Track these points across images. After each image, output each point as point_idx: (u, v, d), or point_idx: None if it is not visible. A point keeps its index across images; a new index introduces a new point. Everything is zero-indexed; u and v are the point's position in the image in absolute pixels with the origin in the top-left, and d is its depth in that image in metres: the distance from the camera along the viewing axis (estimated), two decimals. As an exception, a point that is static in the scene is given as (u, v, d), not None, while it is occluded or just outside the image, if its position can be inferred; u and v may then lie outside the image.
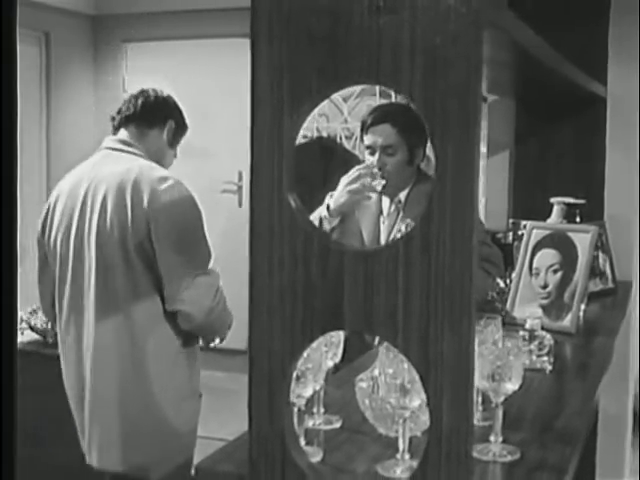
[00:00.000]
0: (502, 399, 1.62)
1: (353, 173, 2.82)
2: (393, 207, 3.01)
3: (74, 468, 4.11)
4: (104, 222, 2.77)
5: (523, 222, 3.20)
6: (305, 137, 6.67)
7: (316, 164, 6.44)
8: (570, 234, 2.73)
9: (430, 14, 1.30)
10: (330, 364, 1.72)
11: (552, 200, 3.29)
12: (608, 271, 3.31)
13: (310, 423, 1.76)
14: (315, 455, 1.59)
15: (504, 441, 1.65)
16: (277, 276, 1.41)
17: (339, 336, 1.72)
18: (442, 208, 1.31)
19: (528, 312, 2.58)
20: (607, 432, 3.65)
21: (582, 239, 2.69)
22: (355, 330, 1.38)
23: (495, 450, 1.61)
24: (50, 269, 2.96)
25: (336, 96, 6.59)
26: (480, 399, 1.81)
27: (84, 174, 2.93)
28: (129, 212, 2.74)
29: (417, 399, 1.48)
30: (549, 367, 2.24)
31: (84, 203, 2.84)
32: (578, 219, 3.29)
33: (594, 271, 3.25)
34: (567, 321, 2.62)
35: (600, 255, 3.29)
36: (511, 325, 2.49)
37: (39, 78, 6.75)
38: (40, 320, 4.30)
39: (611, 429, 3.67)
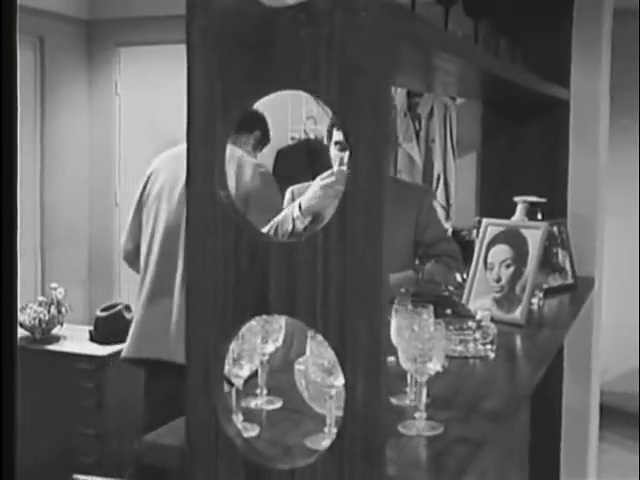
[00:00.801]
0: (425, 379, 1.75)
1: (329, 177, 2.99)
2: None
3: (58, 461, 4.25)
4: None
5: (486, 220, 3.32)
6: (293, 139, 6.81)
7: (304, 165, 6.58)
8: (522, 230, 2.86)
9: (346, 27, 1.43)
10: (272, 348, 1.86)
11: (516, 199, 3.42)
12: (568, 267, 3.43)
13: (253, 404, 1.89)
14: (251, 431, 1.72)
15: (431, 418, 1.78)
16: (211, 266, 1.54)
17: (280, 323, 1.86)
18: (355, 203, 1.44)
19: (479, 304, 2.72)
20: (570, 428, 3.77)
21: (533, 235, 2.83)
22: (279, 314, 1.52)
23: (419, 426, 1.74)
24: (140, 229, 3.66)
25: (324, 99, 6.72)
26: (414, 381, 1.94)
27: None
28: (234, 183, 3.43)
29: (342, 378, 1.60)
30: (492, 355, 2.38)
31: None
32: (540, 217, 3.42)
33: (554, 267, 3.38)
34: (517, 313, 2.75)
35: (560, 251, 3.42)
36: (466, 317, 2.62)
37: (34, 82, 6.88)
38: (29, 317, 4.45)
39: (574, 425, 3.79)
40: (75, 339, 4.56)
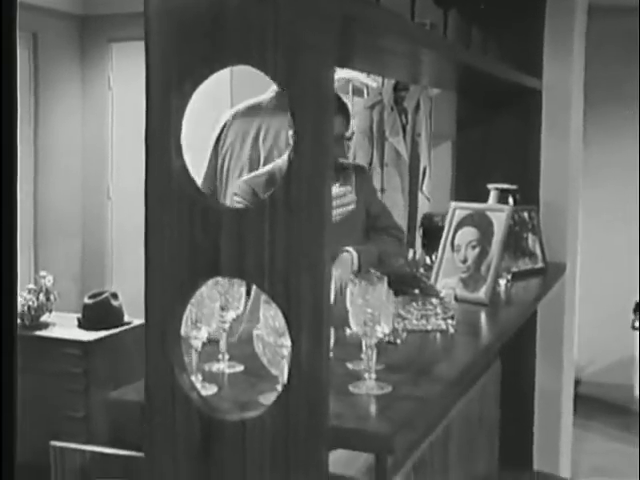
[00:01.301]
0: (375, 341, 1.85)
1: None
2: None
3: (46, 443, 4.35)
4: (275, 147, 4.08)
5: (459, 206, 3.42)
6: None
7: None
8: (488, 213, 2.96)
9: (291, 6, 1.53)
10: (233, 316, 1.97)
11: (488, 186, 3.53)
12: (538, 252, 3.53)
13: (215, 367, 2.00)
14: (209, 390, 1.83)
15: (383, 381, 1.88)
16: (167, 232, 1.65)
17: (240, 291, 1.96)
18: (300, 174, 1.54)
19: (443, 283, 2.83)
20: (543, 409, 3.87)
21: (498, 217, 2.93)
22: (230, 277, 1.62)
23: (369, 385, 1.84)
24: (216, 171, 4.23)
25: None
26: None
27: (259, 109, 4.26)
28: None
29: (293, 338, 1.71)
30: (452, 329, 2.48)
31: (259, 128, 4.18)
32: (512, 203, 3.52)
33: (524, 251, 3.48)
34: (482, 293, 2.85)
35: (530, 236, 3.52)
36: (432, 296, 2.72)
37: (27, 78, 6.98)
38: (18, 304, 4.55)
39: (547, 406, 3.88)
40: (63, 326, 4.66)
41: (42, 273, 4.79)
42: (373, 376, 1.86)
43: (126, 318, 4.69)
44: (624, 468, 5.15)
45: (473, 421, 2.96)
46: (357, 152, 6.47)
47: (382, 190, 6.52)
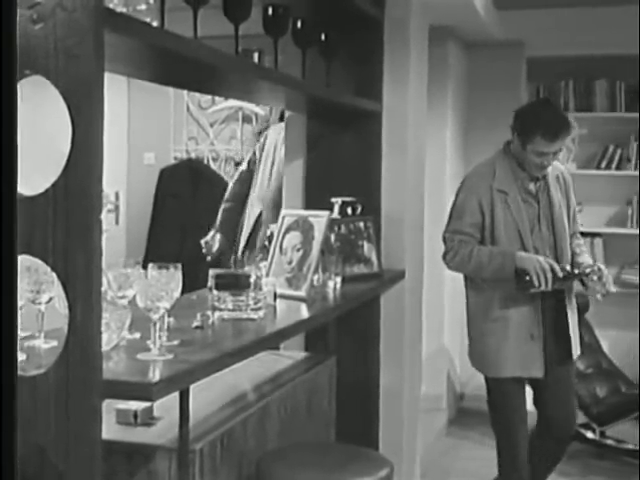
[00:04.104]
0: (157, 316, 2.18)
1: None
2: None
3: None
4: None
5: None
6: (176, 159, 7.23)
7: (186, 183, 7.03)
8: (310, 219, 3.32)
9: (65, 24, 1.87)
10: (46, 298, 2.27)
11: (332, 200, 3.89)
12: (373, 258, 3.89)
13: (32, 343, 2.30)
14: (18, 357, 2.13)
15: (170, 351, 2.21)
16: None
17: (52, 276, 2.26)
18: (76, 165, 1.88)
19: (266, 281, 3.17)
20: (387, 408, 4.20)
21: (319, 222, 3.29)
22: (23, 254, 1.94)
23: (153, 353, 2.17)
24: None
25: (204, 121, 7.20)
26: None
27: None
28: None
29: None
30: (261, 317, 2.82)
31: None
32: (351, 214, 3.89)
33: (359, 258, 3.84)
34: (302, 290, 3.20)
35: (366, 244, 3.87)
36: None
37: None
38: None
39: (390, 406, 4.21)
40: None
41: None
42: (157, 345, 2.18)
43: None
44: (493, 473, 5.50)
45: (298, 408, 3.28)
46: (246, 176, 6.83)
47: (272, 212, 6.88)
